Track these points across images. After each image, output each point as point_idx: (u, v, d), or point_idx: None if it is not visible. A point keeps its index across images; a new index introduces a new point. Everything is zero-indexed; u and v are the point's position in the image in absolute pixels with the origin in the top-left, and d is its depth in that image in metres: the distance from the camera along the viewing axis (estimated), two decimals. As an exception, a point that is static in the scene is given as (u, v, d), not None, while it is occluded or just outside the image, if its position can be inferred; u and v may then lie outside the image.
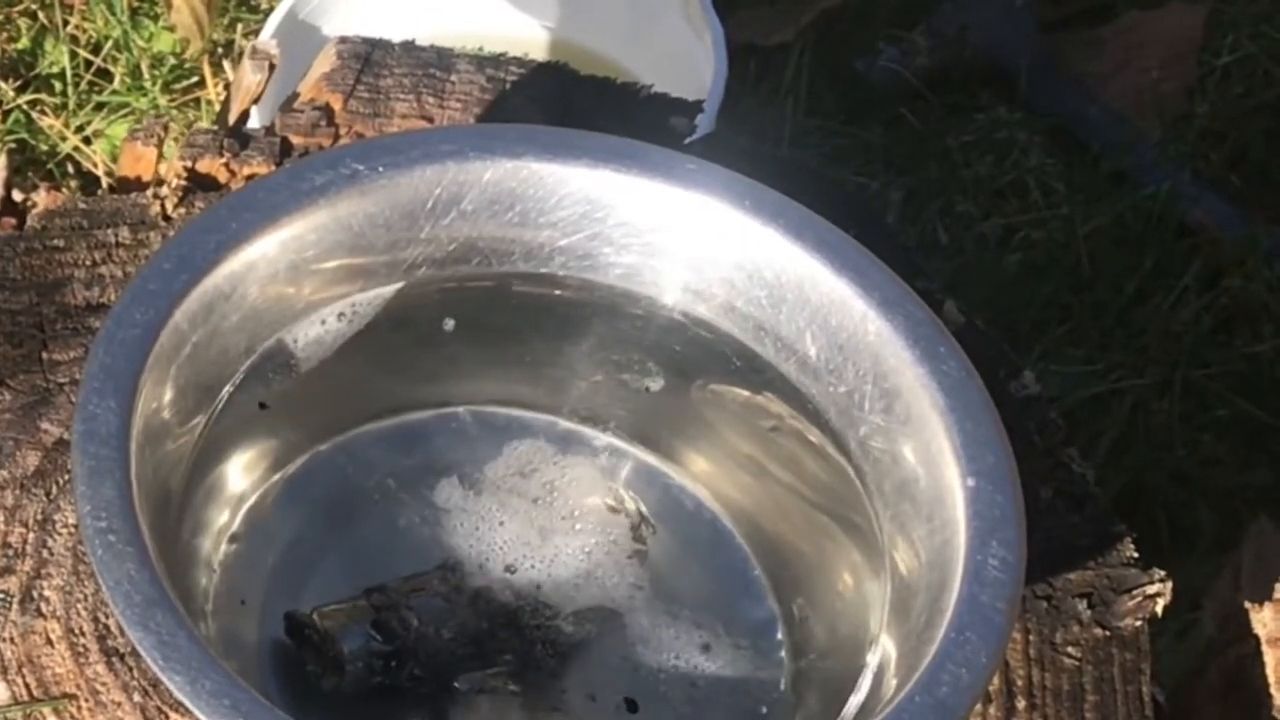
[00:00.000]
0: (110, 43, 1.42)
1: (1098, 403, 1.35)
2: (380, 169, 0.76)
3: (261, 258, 0.74)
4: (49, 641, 0.72)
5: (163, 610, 0.65)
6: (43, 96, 1.40)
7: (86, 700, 0.71)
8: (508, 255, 0.78)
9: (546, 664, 0.77)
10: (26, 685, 0.72)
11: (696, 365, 0.80)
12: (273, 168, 0.85)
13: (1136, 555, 0.82)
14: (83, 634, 0.73)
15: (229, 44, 1.45)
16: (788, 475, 0.80)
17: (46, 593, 0.73)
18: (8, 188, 0.85)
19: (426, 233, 0.77)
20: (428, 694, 0.76)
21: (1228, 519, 1.32)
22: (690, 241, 0.78)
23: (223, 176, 0.86)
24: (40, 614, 0.73)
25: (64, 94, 1.40)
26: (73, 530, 0.74)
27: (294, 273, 0.75)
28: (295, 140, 0.87)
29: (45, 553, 0.74)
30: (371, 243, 0.76)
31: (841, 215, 0.78)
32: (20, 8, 1.45)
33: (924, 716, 0.67)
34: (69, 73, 1.40)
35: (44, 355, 0.79)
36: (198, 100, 1.41)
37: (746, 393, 0.79)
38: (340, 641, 0.74)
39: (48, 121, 1.38)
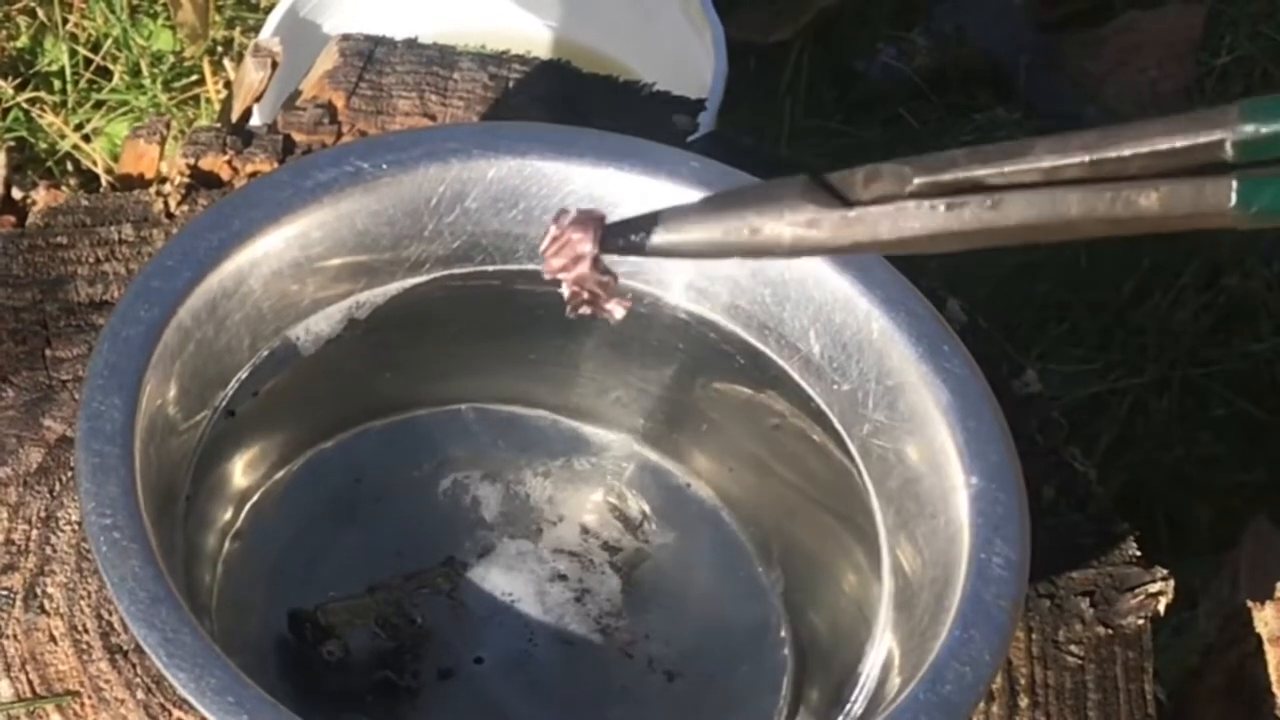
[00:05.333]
0: (110, 40, 1.42)
1: (1096, 401, 1.35)
2: (384, 166, 0.76)
3: (265, 255, 0.74)
4: (52, 638, 0.72)
5: (167, 607, 0.65)
6: (42, 94, 1.40)
7: (90, 697, 0.71)
8: (511, 253, 0.78)
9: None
10: (30, 682, 0.72)
11: (700, 363, 0.80)
12: (275, 165, 0.85)
13: (1139, 554, 0.82)
14: (86, 631, 0.72)
15: (228, 42, 1.45)
16: (791, 473, 0.80)
17: (50, 590, 0.73)
18: (7, 186, 0.84)
19: (430, 230, 0.77)
20: (430, 689, 0.76)
21: (1226, 517, 1.32)
22: (694, 239, 0.78)
23: (225, 174, 0.86)
24: (43, 611, 0.73)
25: (63, 92, 1.40)
26: (76, 527, 0.74)
27: (298, 270, 0.75)
28: (298, 138, 0.87)
29: (49, 550, 0.74)
30: (375, 240, 0.76)
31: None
32: (19, 5, 1.44)
33: (928, 714, 0.67)
34: (68, 70, 1.40)
35: (47, 352, 0.79)
36: (197, 98, 1.41)
37: (750, 391, 0.79)
38: (344, 638, 0.74)
39: (47, 119, 1.38)
